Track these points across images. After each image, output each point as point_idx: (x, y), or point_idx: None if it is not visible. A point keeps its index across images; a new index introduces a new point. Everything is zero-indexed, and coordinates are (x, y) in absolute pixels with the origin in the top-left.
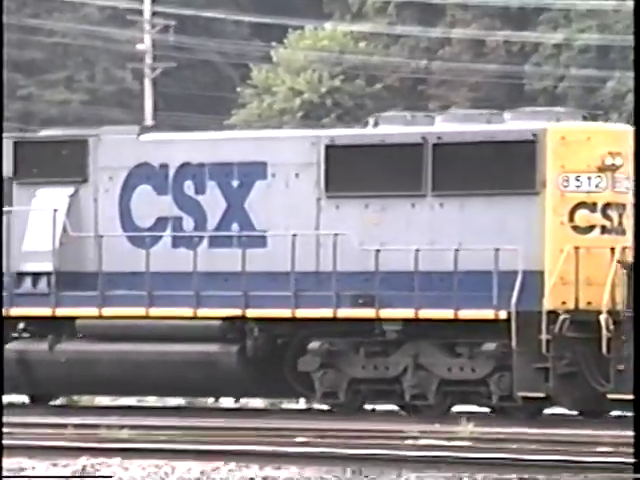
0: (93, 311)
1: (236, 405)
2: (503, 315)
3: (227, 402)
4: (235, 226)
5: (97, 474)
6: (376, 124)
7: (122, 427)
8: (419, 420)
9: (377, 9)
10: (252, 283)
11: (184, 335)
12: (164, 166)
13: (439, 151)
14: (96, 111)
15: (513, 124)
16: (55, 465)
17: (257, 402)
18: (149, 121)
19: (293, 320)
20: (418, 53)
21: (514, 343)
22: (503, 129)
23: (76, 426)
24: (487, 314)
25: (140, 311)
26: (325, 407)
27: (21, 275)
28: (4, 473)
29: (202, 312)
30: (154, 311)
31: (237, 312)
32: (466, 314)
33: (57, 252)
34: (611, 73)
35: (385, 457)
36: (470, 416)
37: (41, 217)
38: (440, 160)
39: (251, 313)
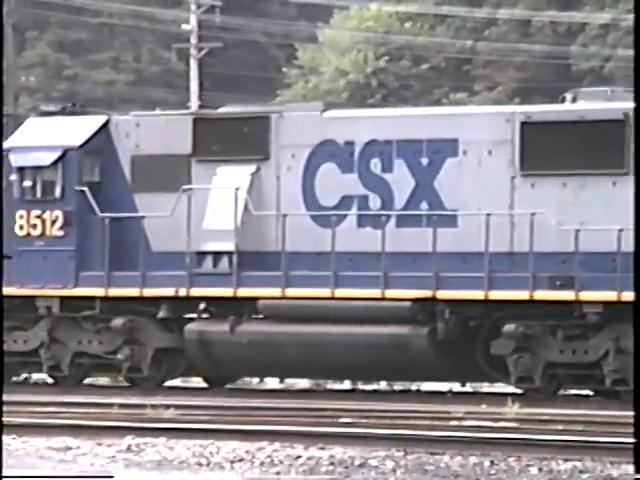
0: (276, 292)
1: (281, 386)
2: None
3: (272, 382)
4: (424, 205)
5: (142, 454)
6: (574, 100)
7: (168, 407)
8: (465, 401)
9: None
10: (442, 264)
11: (371, 317)
12: (349, 143)
13: None
14: (142, 92)
15: None
16: (100, 444)
17: (302, 382)
18: (194, 102)
19: (486, 302)
20: (464, 33)
21: None
22: None
23: (121, 406)
24: None
25: (325, 292)
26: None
27: (201, 254)
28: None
29: (390, 293)
30: (340, 292)
31: (427, 293)
32: None
33: (239, 231)
34: None
35: (429, 438)
36: (516, 397)
37: (222, 195)
38: None
39: (442, 295)
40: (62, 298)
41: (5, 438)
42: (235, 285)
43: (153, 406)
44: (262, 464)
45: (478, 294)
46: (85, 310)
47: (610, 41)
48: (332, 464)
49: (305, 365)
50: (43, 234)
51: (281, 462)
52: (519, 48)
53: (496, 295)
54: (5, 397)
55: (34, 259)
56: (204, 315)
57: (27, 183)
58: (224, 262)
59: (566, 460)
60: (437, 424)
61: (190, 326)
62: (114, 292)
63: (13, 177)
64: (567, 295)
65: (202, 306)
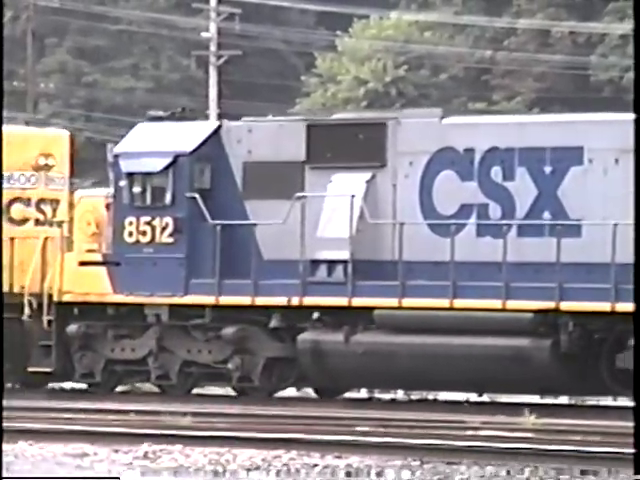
0: (392, 302)
1: (297, 394)
2: None
3: (289, 390)
4: (546, 214)
5: (159, 461)
6: None
7: (185, 414)
8: (481, 411)
9: None
10: (566, 274)
11: (491, 328)
12: (469, 151)
13: None
14: (161, 99)
15: None
16: (117, 451)
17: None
18: (213, 109)
19: (612, 314)
20: (483, 43)
21: None
22: None
23: (138, 412)
24: None
25: (443, 302)
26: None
27: (315, 263)
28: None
29: (512, 304)
30: (459, 302)
31: (550, 305)
32: None
33: (354, 239)
34: None
35: (446, 447)
36: (533, 407)
37: (337, 203)
38: None
39: (566, 306)
40: (171, 306)
41: (22, 444)
42: (350, 294)
43: (170, 413)
44: (278, 472)
45: (604, 306)
46: (195, 318)
47: (630, 52)
48: (348, 473)
49: (421, 377)
50: (152, 241)
51: (297, 470)
52: (538, 58)
53: (623, 307)
54: (45, 404)
55: (143, 266)
56: (317, 325)
57: (137, 189)
58: (339, 271)
59: (583, 472)
60: (454, 434)
61: (303, 336)
62: (225, 300)
63: (122, 183)
64: None
65: (315, 315)
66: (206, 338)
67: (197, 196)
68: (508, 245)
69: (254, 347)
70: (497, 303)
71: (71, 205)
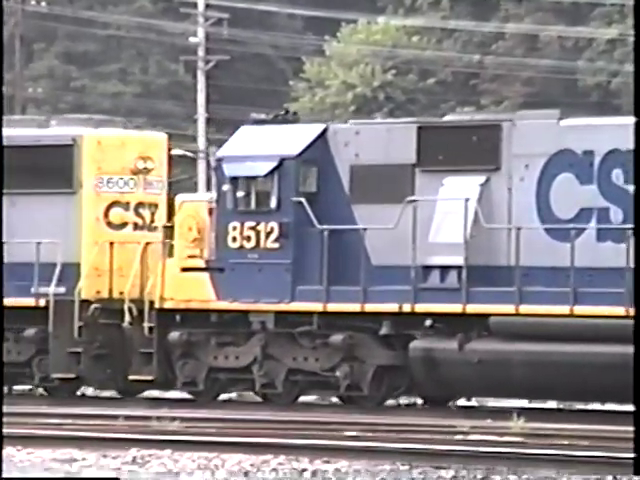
0: (509, 308)
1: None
2: None
3: None
4: None
5: (147, 466)
6: None
7: (173, 419)
8: (470, 415)
9: (430, 3)
10: None
11: (614, 336)
12: (589, 153)
13: None
14: (149, 103)
15: None
16: (105, 456)
17: (307, 396)
18: (201, 114)
19: None
20: (471, 48)
21: None
22: None
23: (127, 418)
24: None
25: (563, 309)
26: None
27: (427, 268)
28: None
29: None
30: (579, 309)
31: None
32: None
33: (468, 244)
34: None
35: (435, 452)
36: (521, 411)
37: (451, 207)
38: None
39: None
40: (277, 313)
41: (10, 449)
42: (464, 301)
43: (158, 418)
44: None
45: None
46: (302, 325)
47: (617, 56)
48: (337, 478)
49: (539, 386)
50: (257, 246)
51: (286, 475)
52: (526, 63)
53: None
54: (33, 409)
55: (247, 272)
56: (429, 332)
57: (241, 193)
58: (452, 277)
59: (571, 475)
60: (442, 438)
61: (415, 343)
62: (333, 307)
63: (226, 187)
64: None
65: (428, 322)
66: (313, 345)
67: (303, 200)
68: (631, 250)
69: (363, 355)
70: (620, 310)
71: (170, 209)
